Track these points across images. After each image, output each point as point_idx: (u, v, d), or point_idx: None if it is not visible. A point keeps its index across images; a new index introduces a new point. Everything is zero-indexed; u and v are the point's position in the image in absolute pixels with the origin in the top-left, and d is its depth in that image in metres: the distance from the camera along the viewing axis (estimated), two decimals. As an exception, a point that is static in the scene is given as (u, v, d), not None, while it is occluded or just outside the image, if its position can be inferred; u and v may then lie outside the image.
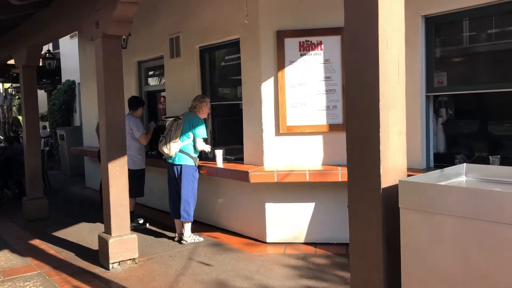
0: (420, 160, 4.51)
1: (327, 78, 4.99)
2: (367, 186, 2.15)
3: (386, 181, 2.10)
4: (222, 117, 6.44)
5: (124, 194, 4.63)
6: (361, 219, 2.20)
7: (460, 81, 4.47)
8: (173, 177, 5.24)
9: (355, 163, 2.25)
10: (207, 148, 5.36)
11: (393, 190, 2.11)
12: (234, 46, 5.65)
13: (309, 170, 4.75)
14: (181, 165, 5.16)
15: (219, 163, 5.43)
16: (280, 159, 5.10)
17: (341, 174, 4.68)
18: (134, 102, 6.15)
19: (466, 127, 4.83)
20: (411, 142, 4.54)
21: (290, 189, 5.04)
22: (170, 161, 5.24)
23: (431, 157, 4.56)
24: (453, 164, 4.53)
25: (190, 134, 5.15)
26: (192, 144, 5.20)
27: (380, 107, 2.11)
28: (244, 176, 4.92)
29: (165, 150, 5.11)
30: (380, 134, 2.10)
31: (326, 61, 4.98)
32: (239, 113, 5.74)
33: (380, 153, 2.09)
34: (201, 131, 5.19)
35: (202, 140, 5.21)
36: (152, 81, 7.82)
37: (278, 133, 5.08)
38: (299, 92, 5.03)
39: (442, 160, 4.60)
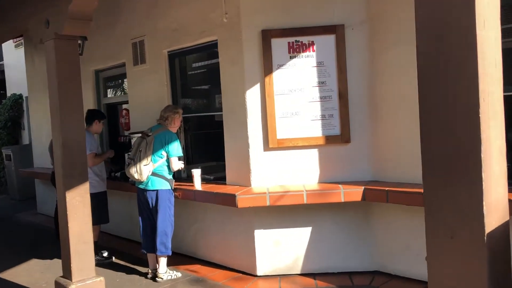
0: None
1: (321, 83, 4.36)
2: (461, 233, 1.48)
3: (490, 222, 1.44)
4: (197, 130, 5.69)
5: (87, 228, 3.79)
6: (453, 283, 1.52)
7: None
8: (146, 205, 4.43)
9: (438, 197, 1.58)
10: (181, 165, 4.59)
11: (500, 236, 1.46)
12: (210, 49, 4.94)
13: (307, 191, 4.08)
14: (156, 190, 4.36)
15: (197, 184, 4.67)
16: (270, 178, 4.41)
17: (343, 194, 4.04)
18: (88, 116, 5.30)
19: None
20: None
21: (283, 212, 4.35)
22: (141, 186, 4.44)
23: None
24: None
25: (163, 153, 4.38)
26: (166, 164, 4.42)
27: (480, 114, 1.45)
28: (230, 200, 4.19)
29: (136, 175, 4.30)
30: (482, 155, 1.44)
31: (319, 64, 4.36)
32: (217, 126, 5.01)
33: (483, 181, 1.43)
34: (176, 149, 4.43)
35: (177, 158, 4.45)
36: (113, 93, 6.96)
37: (267, 147, 4.39)
38: (289, 100, 4.37)
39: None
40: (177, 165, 4.46)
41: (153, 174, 4.37)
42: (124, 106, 6.53)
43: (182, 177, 5.28)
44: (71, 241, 3.68)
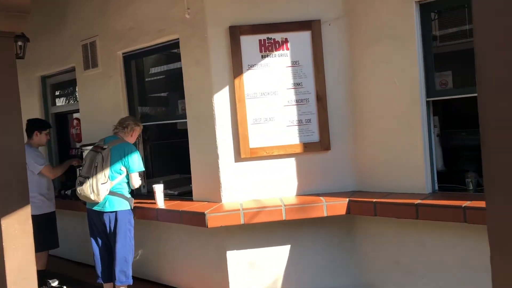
0: (424, 182, 3.57)
1: (297, 85, 3.93)
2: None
3: None
4: (158, 140, 5.14)
5: (28, 260, 3.17)
6: None
7: (467, 82, 3.63)
8: (102, 229, 3.84)
9: (505, 213, 1.15)
10: (140, 182, 4.04)
11: None
12: (171, 49, 4.44)
13: (285, 205, 3.63)
14: (115, 212, 3.79)
15: (160, 202, 4.12)
16: (243, 192, 3.93)
17: (326, 207, 3.62)
18: (27, 127, 4.53)
19: (468, 138, 4.01)
20: (411, 159, 3.59)
21: (258, 229, 3.87)
22: (97, 208, 3.83)
23: (435, 178, 3.65)
24: (463, 184, 3.68)
25: (122, 168, 3.81)
26: (126, 181, 3.85)
27: None
28: (198, 219, 3.67)
29: (92, 196, 3.68)
30: None
31: (294, 63, 3.93)
32: (180, 135, 4.50)
33: None
34: (137, 163, 3.87)
35: (138, 175, 3.89)
36: (62, 101, 6.30)
37: (238, 158, 3.91)
38: (262, 104, 3.92)
39: (446, 180, 3.71)
40: (139, 181, 3.90)
41: (111, 193, 3.79)
42: (76, 115, 5.89)
43: (142, 193, 4.71)
44: (9, 278, 3.04)
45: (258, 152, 3.89)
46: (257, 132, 3.91)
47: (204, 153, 4.03)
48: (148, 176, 4.97)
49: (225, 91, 3.90)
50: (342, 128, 3.94)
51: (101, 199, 3.70)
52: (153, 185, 4.15)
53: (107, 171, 3.69)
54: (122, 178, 3.81)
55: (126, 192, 3.86)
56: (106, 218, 3.77)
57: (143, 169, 3.96)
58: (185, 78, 4.14)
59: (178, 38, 4.17)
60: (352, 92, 3.92)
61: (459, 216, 3.11)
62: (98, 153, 3.79)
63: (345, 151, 3.95)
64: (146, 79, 4.96)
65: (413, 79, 3.55)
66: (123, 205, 3.81)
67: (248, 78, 3.90)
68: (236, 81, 3.87)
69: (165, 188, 4.40)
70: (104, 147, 3.83)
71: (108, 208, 3.77)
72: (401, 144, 3.66)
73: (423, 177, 3.57)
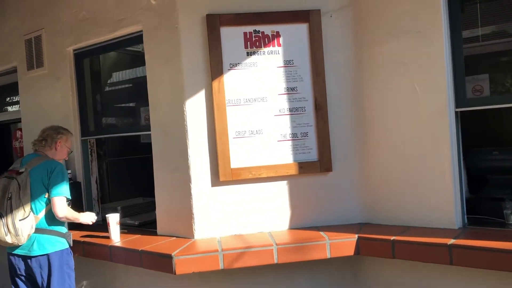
0: (452, 214, 2.82)
1: (290, 89, 3.14)
2: None
3: None
4: (116, 156, 4.25)
5: None
6: None
7: (503, 88, 2.92)
8: (30, 279, 2.88)
9: None
10: (85, 218, 3.07)
11: None
12: (133, 44, 3.59)
13: (278, 244, 2.80)
14: (46, 255, 2.85)
15: (115, 236, 3.23)
16: (222, 225, 3.08)
17: (329, 247, 2.81)
18: None
19: (502, 158, 3.28)
20: (436, 184, 2.84)
21: (242, 275, 3.02)
22: (20, 252, 2.86)
23: (465, 208, 2.90)
24: (496, 215, 2.94)
25: (47, 194, 2.86)
26: (57, 210, 2.91)
27: None
28: (164, 263, 2.80)
29: (8, 237, 2.72)
30: None
31: (288, 63, 3.14)
32: (144, 149, 3.67)
33: None
34: (60, 184, 2.86)
35: (64, 200, 2.91)
36: (2, 108, 5.32)
37: (217, 181, 3.07)
38: (248, 113, 3.10)
39: (473, 210, 2.97)
40: (63, 209, 2.85)
41: (39, 230, 2.84)
42: (20, 125, 4.93)
43: (96, 222, 3.79)
44: None
45: (242, 173, 3.06)
46: (241, 148, 3.08)
47: (173, 174, 3.17)
48: (104, 200, 4.07)
49: (201, 96, 3.08)
50: (347, 144, 3.17)
51: (23, 240, 2.75)
52: (107, 215, 3.25)
53: (27, 203, 2.76)
54: (50, 207, 2.87)
55: (60, 226, 2.94)
56: (35, 264, 2.81)
57: (69, 197, 2.95)
58: (150, 80, 3.29)
59: (142, 30, 3.33)
60: (360, 99, 3.16)
61: (510, 263, 2.35)
62: (12, 180, 2.82)
63: (351, 173, 3.17)
64: (103, 82, 4.07)
65: (438, 84, 2.82)
66: (58, 244, 2.87)
67: (230, 80, 3.08)
68: (215, 83, 3.04)
69: (123, 216, 3.53)
70: (21, 170, 2.85)
71: (36, 251, 2.82)
72: (422, 166, 2.90)
73: (452, 207, 2.81)
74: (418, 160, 2.92)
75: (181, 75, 3.08)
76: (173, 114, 3.13)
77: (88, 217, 3.08)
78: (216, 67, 3.05)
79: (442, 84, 2.81)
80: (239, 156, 3.08)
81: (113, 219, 3.22)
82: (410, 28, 2.91)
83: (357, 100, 3.17)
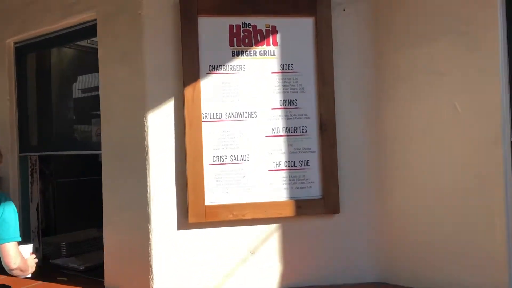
0: (506, 279, 2.07)
1: (288, 103, 2.37)
2: None
3: None
4: (66, 177, 3.43)
5: None
6: None
7: None
8: None
9: None
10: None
11: None
12: (86, 36, 2.80)
13: (266, 318, 2.01)
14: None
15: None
16: (191, 283, 2.28)
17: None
18: None
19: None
20: (483, 237, 2.09)
21: None
22: None
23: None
24: None
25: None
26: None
27: None
28: None
29: None
30: None
31: (286, 68, 2.38)
32: (99, 171, 2.84)
33: None
34: (14, 225, 2.01)
35: (16, 246, 2.06)
36: None
37: (185, 223, 2.28)
38: (230, 133, 2.32)
39: None
40: (17, 259, 2.01)
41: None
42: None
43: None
44: None
45: (220, 213, 2.28)
46: (219, 179, 2.30)
47: (126, 210, 2.37)
48: (48, 232, 3.25)
49: (168, 107, 2.29)
50: (360, 177, 2.41)
51: None
52: (21, 246, 2.29)
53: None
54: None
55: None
56: None
57: (19, 238, 2.13)
58: (103, 84, 2.49)
59: (95, 20, 2.54)
60: (379, 119, 2.41)
61: None
62: None
63: (364, 217, 2.41)
64: (52, 85, 3.24)
65: (490, 103, 2.08)
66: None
67: (209, 87, 2.31)
68: (188, 91, 2.27)
69: (68, 255, 2.73)
70: None
71: None
72: (462, 211, 2.16)
73: (505, 273, 2.06)
74: (457, 204, 2.17)
75: (143, 79, 2.29)
76: (131, 131, 2.34)
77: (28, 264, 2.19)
78: (190, 70, 2.28)
79: (495, 103, 2.07)
80: (217, 189, 2.30)
81: (27, 250, 2.27)
82: (452, 28, 2.18)
83: (375, 119, 2.42)
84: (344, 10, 2.42)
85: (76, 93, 3.19)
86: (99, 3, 2.50)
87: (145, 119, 2.28)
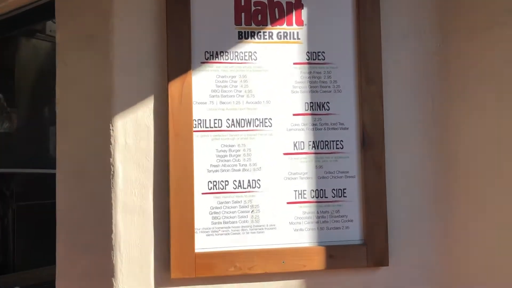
0: None
1: (318, 107, 1.67)
2: None
3: None
4: (29, 199, 2.75)
5: None
6: None
7: None
8: None
9: None
10: None
11: None
12: (42, 17, 2.13)
13: None
14: None
15: None
16: None
17: None
18: None
19: None
20: None
21: None
22: None
23: None
24: None
25: None
26: None
27: None
28: None
29: None
30: None
31: (313, 57, 1.68)
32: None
33: None
34: None
35: None
36: None
37: (165, 278, 1.57)
38: (234, 148, 1.62)
39: None
40: None
41: None
42: None
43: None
44: None
45: (215, 264, 1.57)
46: (216, 214, 1.60)
47: (84, 257, 1.67)
48: (4, 268, 2.56)
49: (145, 110, 1.60)
50: (416, 215, 1.69)
51: None
52: None
53: None
54: None
55: None
56: None
57: None
58: (59, 79, 1.80)
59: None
60: (446, 131, 1.70)
61: None
62: None
63: (422, 270, 1.68)
64: (5, 81, 2.58)
65: None
66: None
67: (204, 83, 1.62)
68: (174, 88, 1.57)
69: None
70: None
71: None
72: None
73: None
74: None
75: (110, 71, 1.61)
76: (92, 143, 1.66)
77: None
78: (178, 58, 1.59)
79: None
80: (213, 229, 1.59)
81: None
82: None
83: (439, 131, 1.71)
84: (396, -23, 1.73)
85: (40, 94, 2.52)
86: (57, -32, 1.83)
87: (112, 127, 1.59)
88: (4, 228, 2.58)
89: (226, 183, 1.61)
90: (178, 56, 1.59)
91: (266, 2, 1.66)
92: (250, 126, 1.63)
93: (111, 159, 1.59)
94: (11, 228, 2.61)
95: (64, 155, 1.77)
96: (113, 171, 1.58)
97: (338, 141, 1.67)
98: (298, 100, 1.66)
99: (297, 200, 1.65)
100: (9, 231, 2.60)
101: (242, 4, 1.65)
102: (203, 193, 1.60)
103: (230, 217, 1.61)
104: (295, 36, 1.67)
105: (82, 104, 1.71)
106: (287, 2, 1.67)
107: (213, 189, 1.61)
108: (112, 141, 1.59)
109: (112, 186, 1.58)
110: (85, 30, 1.73)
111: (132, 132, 1.59)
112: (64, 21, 1.81)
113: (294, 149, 1.65)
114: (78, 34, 1.75)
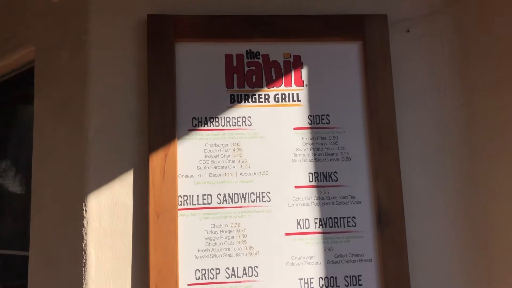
0: None
1: (324, 178, 1.43)
2: None
3: None
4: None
5: None
6: None
7: None
8: None
9: None
10: None
11: None
12: (25, 85, 1.98)
13: None
14: None
15: None
16: None
17: None
18: None
19: None
20: None
21: None
22: None
23: None
24: None
25: None
26: None
27: None
28: None
29: None
30: None
31: (317, 121, 1.46)
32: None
33: None
34: None
35: None
36: None
37: None
38: (226, 228, 1.38)
39: None
40: None
41: None
42: None
43: None
44: None
45: None
46: (206, 312, 1.33)
47: None
48: None
49: (122, 187, 1.39)
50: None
51: None
52: None
53: None
54: None
55: None
56: None
57: None
58: (35, 150, 1.62)
59: (33, 60, 1.73)
60: (478, 202, 1.44)
61: None
62: None
63: None
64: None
65: None
66: None
67: (191, 154, 1.41)
68: (156, 160, 1.36)
69: None
70: None
71: None
72: None
73: None
74: None
75: (85, 141, 1.41)
76: (64, 226, 1.44)
77: None
78: (160, 126, 1.39)
79: None
80: (202, 330, 1.32)
81: None
82: None
83: (470, 203, 1.45)
84: (408, 31, 1.54)
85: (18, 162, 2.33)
86: (36, 33, 1.69)
87: (84, 206, 1.37)
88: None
89: (217, 271, 1.36)
90: (161, 123, 1.39)
91: (261, 62, 1.47)
92: (245, 201, 1.40)
93: (83, 244, 1.36)
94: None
95: (36, 237, 1.55)
96: (85, 259, 1.35)
97: (349, 217, 1.41)
98: (301, 170, 1.43)
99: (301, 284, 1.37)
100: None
101: (234, 64, 1.46)
102: (189, 284, 1.34)
103: (223, 313, 1.34)
104: (295, 98, 1.47)
105: (56, 181, 1.50)
106: (284, 61, 1.48)
107: (202, 279, 1.35)
108: (85, 223, 1.36)
109: (84, 276, 1.35)
110: (61, 97, 1.56)
111: (107, 212, 1.37)
112: (42, 87, 1.65)
113: (297, 228, 1.40)
114: (55, 101, 1.58)
